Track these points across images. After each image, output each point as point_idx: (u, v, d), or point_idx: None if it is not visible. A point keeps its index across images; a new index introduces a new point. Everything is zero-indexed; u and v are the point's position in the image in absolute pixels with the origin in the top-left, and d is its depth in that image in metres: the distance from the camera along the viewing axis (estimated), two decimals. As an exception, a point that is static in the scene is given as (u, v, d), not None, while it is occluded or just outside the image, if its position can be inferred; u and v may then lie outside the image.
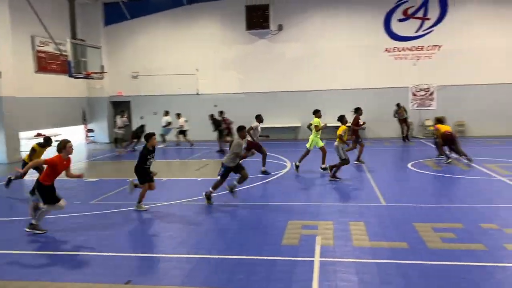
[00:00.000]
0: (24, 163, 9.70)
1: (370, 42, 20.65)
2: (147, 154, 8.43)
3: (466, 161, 12.69)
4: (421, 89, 20.73)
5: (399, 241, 6.30)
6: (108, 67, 20.87)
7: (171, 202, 9.17)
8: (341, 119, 11.26)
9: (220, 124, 16.96)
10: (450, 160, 13.05)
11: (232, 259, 5.85)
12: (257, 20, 20.58)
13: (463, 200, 8.71)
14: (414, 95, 20.79)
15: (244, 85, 21.82)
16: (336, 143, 10.97)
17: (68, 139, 7.38)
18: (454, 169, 12.00)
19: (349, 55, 20.80)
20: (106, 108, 22.71)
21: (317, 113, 12.36)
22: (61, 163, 7.12)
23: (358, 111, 13.87)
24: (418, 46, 20.50)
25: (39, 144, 10.05)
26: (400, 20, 20.51)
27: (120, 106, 22.87)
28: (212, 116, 17.44)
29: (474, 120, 20.16)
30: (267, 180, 11.24)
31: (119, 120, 19.38)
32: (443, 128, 13.42)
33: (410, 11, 20.41)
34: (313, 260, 5.66)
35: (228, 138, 16.28)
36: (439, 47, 20.28)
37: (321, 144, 12.22)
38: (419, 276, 5.11)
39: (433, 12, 20.19)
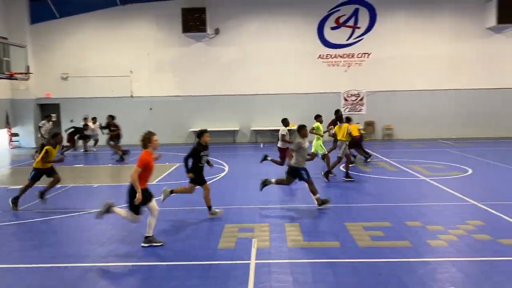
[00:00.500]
0: (35, 170, 8.92)
1: (304, 49, 21.25)
2: (200, 151, 7.84)
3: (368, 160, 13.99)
4: (352, 95, 21.65)
5: (331, 241, 6.51)
6: (34, 67, 19.71)
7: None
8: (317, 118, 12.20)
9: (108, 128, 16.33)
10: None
11: (166, 265, 5.72)
12: (194, 23, 20.40)
13: (390, 200, 9.19)
14: (346, 100, 21.66)
15: (181, 88, 21.53)
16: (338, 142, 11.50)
17: (152, 130, 6.67)
18: (382, 171, 12.63)
19: (284, 60, 21.25)
20: (32, 111, 21.36)
21: (318, 118, 12.46)
22: (152, 159, 6.48)
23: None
24: (349, 54, 21.41)
25: (51, 145, 9.03)
26: (333, 28, 21.31)
27: (48, 109, 21.62)
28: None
29: (401, 124, 21.40)
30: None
31: (45, 127, 17.70)
32: (355, 130, 13.22)
33: (341, 20, 21.27)
34: (249, 263, 5.68)
35: (111, 143, 16.02)
36: (369, 54, 21.33)
37: (321, 151, 12.18)
38: (350, 274, 5.30)
39: (363, 22, 21.21)
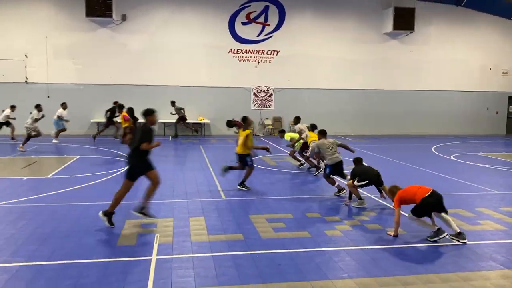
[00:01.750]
0: None
1: (215, 42, 21.18)
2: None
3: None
4: (261, 91, 22.09)
5: (235, 233, 6.57)
6: None
7: (-13, 205, 7.94)
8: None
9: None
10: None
11: (58, 264, 5.32)
12: (99, 7, 19.26)
13: (293, 193, 9.53)
14: (256, 95, 22.04)
15: (82, 76, 20.25)
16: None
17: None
18: (287, 165, 13.07)
19: (195, 53, 21.01)
20: None
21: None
22: None
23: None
24: (260, 50, 21.80)
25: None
26: (244, 23, 21.52)
27: None
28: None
29: (306, 120, 22.27)
30: (104, 178, 10.59)
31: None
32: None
33: (252, 16, 21.56)
34: (150, 259, 5.50)
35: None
36: (277, 52, 21.90)
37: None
38: (252, 266, 5.38)
39: (273, 19, 21.72)
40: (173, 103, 19.65)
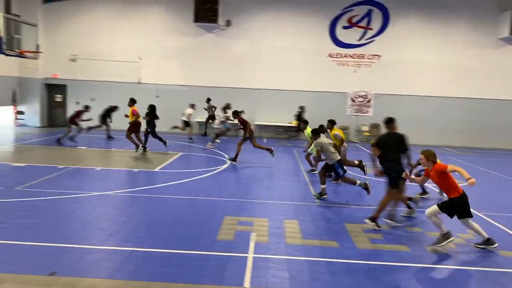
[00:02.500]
0: None
1: (314, 46, 21.18)
2: None
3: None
4: (359, 96, 21.59)
5: (329, 240, 6.52)
6: (44, 47, 19.64)
7: (105, 192, 8.84)
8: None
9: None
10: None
11: (163, 252, 5.74)
12: (206, 13, 20.37)
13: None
14: (353, 101, 21.60)
15: (187, 78, 21.53)
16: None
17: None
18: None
19: (293, 56, 21.21)
20: (39, 90, 21.39)
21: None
22: None
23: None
24: (360, 54, 21.33)
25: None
26: (345, 28, 21.22)
27: (55, 89, 21.74)
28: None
29: (405, 128, 21.19)
30: (206, 174, 11.16)
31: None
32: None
33: (354, 20, 21.17)
34: (246, 256, 5.70)
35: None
36: (379, 56, 21.24)
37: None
38: (346, 274, 5.31)
39: (376, 23, 21.10)
40: (208, 100, 20.11)
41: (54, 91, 21.86)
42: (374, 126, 21.54)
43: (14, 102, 20.84)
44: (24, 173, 10.46)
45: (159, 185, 9.75)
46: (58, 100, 21.86)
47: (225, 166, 12.59)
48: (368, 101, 21.58)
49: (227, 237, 6.41)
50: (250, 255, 5.73)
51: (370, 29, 21.19)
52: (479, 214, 8.41)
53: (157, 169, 11.66)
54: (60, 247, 5.78)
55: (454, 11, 20.84)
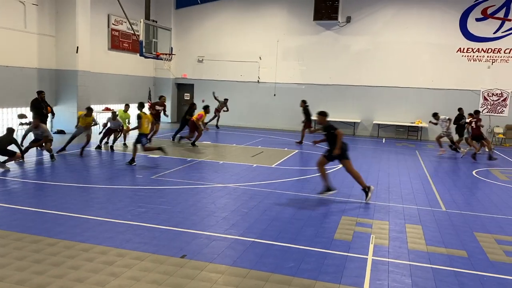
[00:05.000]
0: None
1: (441, 41, 19.73)
2: None
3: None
4: (493, 94, 19.56)
5: (457, 249, 6.07)
6: (175, 49, 21.47)
7: (227, 184, 9.37)
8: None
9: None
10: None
11: (283, 246, 5.90)
12: (326, 10, 20.26)
13: (531, 215, 8.17)
14: (486, 99, 19.66)
15: (305, 76, 21.67)
16: None
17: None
18: (524, 182, 11.27)
19: (418, 52, 20.03)
20: (170, 89, 23.47)
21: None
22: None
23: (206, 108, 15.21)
24: (495, 48, 19.30)
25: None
26: (478, 20, 19.38)
27: (184, 88, 23.64)
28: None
29: (550, 131, 18.75)
30: (317, 174, 11.14)
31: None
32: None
33: (489, 11, 19.21)
34: (365, 258, 5.58)
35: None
36: (519, 50, 18.98)
37: None
38: (477, 287, 4.90)
39: (517, 13, 18.88)
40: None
41: (183, 90, 23.80)
42: (510, 128, 19.33)
43: (149, 99, 23.14)
44: (158, 163, 11.57)
45: (276, 181, 10.02)
46: (186, 98, 23.70)
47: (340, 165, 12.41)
48: (504, 100, 19.42)
49: (345, 237, 6.34)
50: (370, 257, 5.60)
51: (509, 20, 19.01)
52: None
53: (274, 165, 11.99)
54: (189, 232, 6.30)
55: None
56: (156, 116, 15.65)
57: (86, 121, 12.60)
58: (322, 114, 8.96)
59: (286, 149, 15.19)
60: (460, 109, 16.17)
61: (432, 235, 6.64)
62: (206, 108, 15.45)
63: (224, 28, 22.63)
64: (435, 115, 15.75)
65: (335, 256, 5.63)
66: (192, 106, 16.18)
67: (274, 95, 21.84)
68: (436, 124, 15.87)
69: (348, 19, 20.73)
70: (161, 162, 11.71)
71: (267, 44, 22.00)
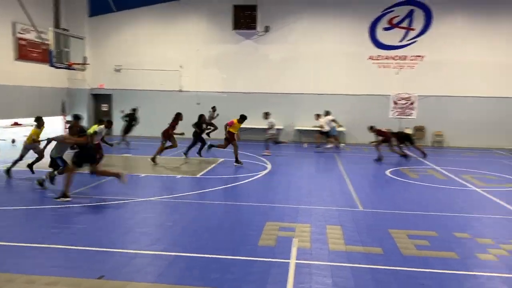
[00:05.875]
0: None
1: (354, 49, 20.88)
2: None
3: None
4: (402, 98, 21.05)
5: (374, 246, 6.38)
6: (90, 58, 20.50)
7: (149, 198, 9.07)
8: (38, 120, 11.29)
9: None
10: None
11: (207, 257, 5.80)
12: (244, 20, 20.59)
13: (438, 209, 8.85)
14: (395, 103, 21.09)
15: (227, 85, 21.79)
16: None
17: None
18: (431, 179, 12.21)
19: (333, 60, 21.00)
20: (86, 100, 22.35)
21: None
22: None
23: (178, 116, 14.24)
24: (402, 56, 20.82)
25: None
26: (385, 29, 20.79)
27: (102, 99, 22.62)
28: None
29: (452, 131, 20.59)
30: (246, 180, 11.22)
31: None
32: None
33: (395, 21, 20.71)
34: (289, 262, 5.66)
35: None
36: (422, 57, 20.64)
37: None
38: (392, 282, 5.17)
39: (418, 23, 20.53)
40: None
41: (100, 101, 22.77)
42: (418, 129, 20.91)
43: (63, 112, 21.81)
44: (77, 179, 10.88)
45: (200, 191, 9.89)
46: (104, 109, 22.71)
47: (265, 172, 12.61)
48: (411, 104, 20.99)
49: (269, 243, 6.40)
50: (293, 261, 5.69)
51: (412, 29, 20.65)
52: (534, 220, 7.97)
53: (199, 175, 11.84)
54: (108, 251, 5.97)
55: (501, 7, 19.94)
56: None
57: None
58: (76, 118, 10.17)
59: (211, 158, 15.09)
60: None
61: (351, 234, 6.93)
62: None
63: (142, 36, 22.07)
64: (319, 116, 18.19)
65: (260, 263, 5.65)
66: (201, 118, 15.47)
67: (198, 103, 21.65)
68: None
69: (267, 29, 21.21)
70: (78, 177, 11.03)
71: (188, 52, 21.82)
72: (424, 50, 20.55)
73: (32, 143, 11.00)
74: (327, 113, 18.58)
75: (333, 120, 18.32)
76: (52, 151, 9.56)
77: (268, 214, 8.04)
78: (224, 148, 14.36)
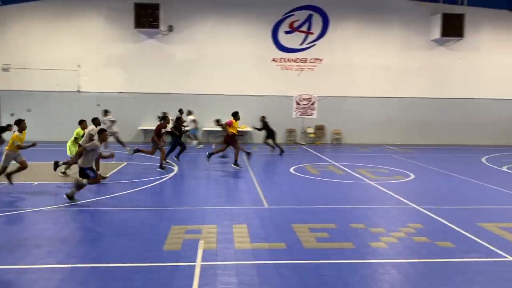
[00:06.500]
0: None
1: (258, 51, 21.39)
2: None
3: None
4: (304, 99, 22.03)
5: (278, 242, 6.57)
6: (-28, 56, 18.45)
7: (43, 207, 8.37)
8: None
9: None
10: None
11: (108, 267, 5.52)
12: (146, 19, 20.01)
13: (337, 202, 9.41)
14: (298, 104, 22.01)
15: (130, 85, 21.01)
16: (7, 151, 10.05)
17: None
18: (331, 174, 12.94)
19: (238, 62, 21.30)
20: (-32, 102, 20.04)
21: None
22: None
23: (164, 119, 13.90)
24: (302, 58, 21.80)
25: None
26: (287, 32, 21.61)
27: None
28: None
29: (349, 129, 22.05)
30: (151, 184, 10.90)
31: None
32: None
33: (295, 24, 21.61)
34: (194, 265, 5.60)
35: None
36: (321, 60, 21.81)
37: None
38: (294, 275, 5.36)
39: (316, 27, 21.67)
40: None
41: (-15, 103, 20.55)
42: (319, 128, 22.06)
43: None
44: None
45: (100, 198, 9.39)
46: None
47: (172, 174, 12.38)
48: (312, 104, 22.07)
49: (174, 247, 6.27)
50: (198, 264, 5.64)
51: (311, 33, 21.72)
52: (419, 208, 8.82)
53: (101, 181, 11.20)
54: (-8, 270, 5.39)
55: (389, 15, 21.83)
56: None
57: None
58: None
59: (113, 162, 14.40)
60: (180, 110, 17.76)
61: (257, 232, 7.06)
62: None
63: (34, 33, 20.38)
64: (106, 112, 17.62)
65: (164, 269, 5.51)
66: (179, 120, 14.59)
67: (98, 105, 20.52)
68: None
69: (171, 28, 20.83)
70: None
71: (86, 51, 20.62)
72: (322, 53, 21.74)
73: (15, 150, 9.83)
74: (190, 113, 19.19)
75: (194, 121, 19.16)
76: None
77: (174, 217, 7.89)
78: (224, 150, 14.33)
